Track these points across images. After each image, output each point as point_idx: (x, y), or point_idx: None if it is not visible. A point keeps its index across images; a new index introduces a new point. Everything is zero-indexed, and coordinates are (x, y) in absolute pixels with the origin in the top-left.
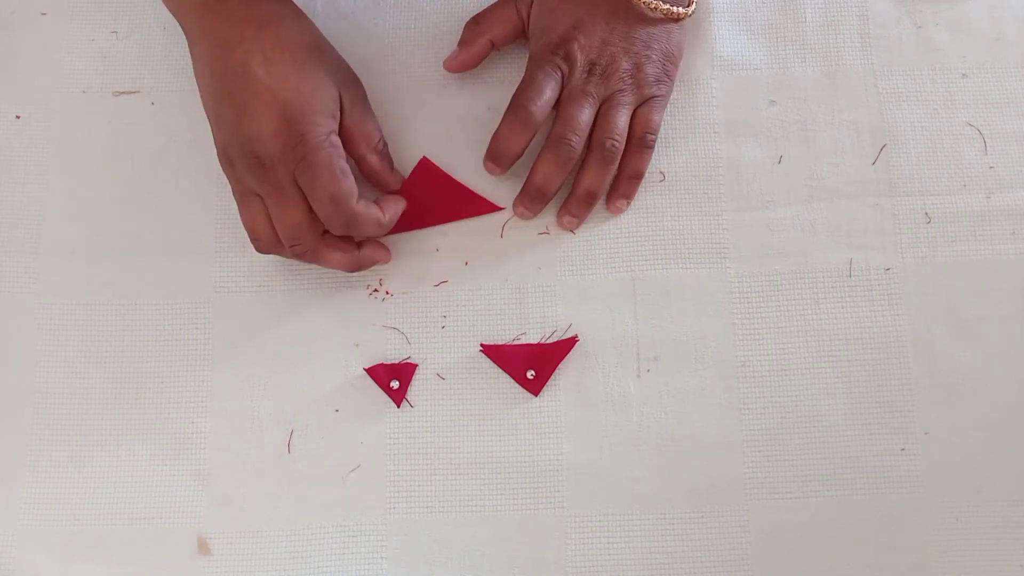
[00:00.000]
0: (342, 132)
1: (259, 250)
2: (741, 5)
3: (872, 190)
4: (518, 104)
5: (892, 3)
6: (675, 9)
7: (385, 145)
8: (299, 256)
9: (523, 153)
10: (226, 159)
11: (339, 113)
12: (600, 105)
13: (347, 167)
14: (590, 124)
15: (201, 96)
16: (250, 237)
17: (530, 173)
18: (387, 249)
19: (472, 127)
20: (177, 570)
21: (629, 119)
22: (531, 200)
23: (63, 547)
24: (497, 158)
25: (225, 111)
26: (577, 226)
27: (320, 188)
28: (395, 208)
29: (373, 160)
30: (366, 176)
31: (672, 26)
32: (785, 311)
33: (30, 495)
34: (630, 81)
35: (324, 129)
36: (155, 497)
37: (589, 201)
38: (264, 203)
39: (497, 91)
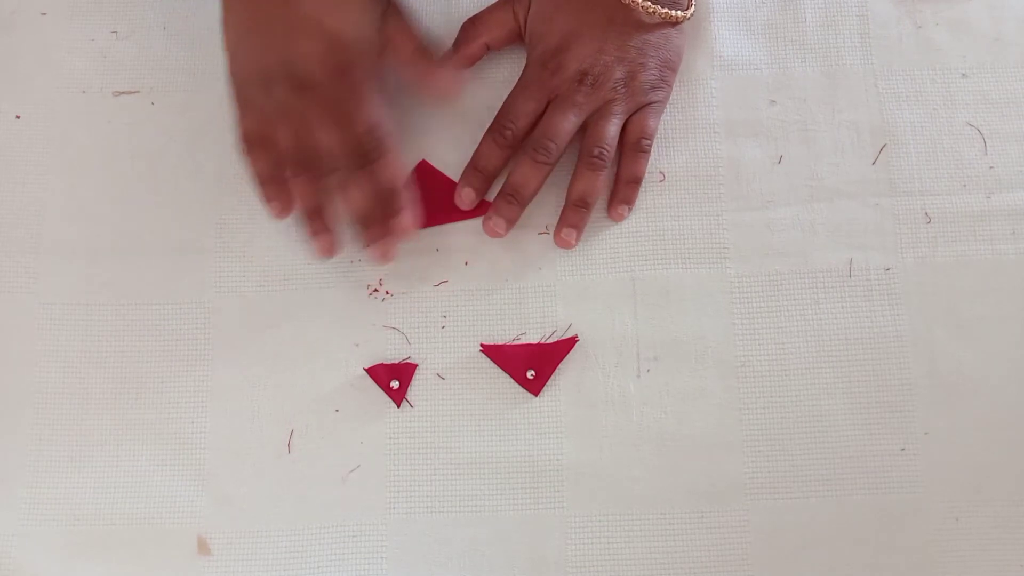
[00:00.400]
0: (383, 43)
1: (295, 173)
2: (741, 5)
3: (872, 190)
4: (496, 125)
5: (892, 3)
6: (673, 12)
7: (422, 43)
8: (338, 178)
9: (500, 171)
10: (263, 82)
11: (380, 36)
12: (591, 115)
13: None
14: (572, 133)
15: (228, 25)
16: (291, 157)
17: (507, 176)
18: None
19: (472, 127)
20: (177, 570)
21: (620, 128)
22: (506, 201)
23: (63, 547)
24: (476, 172)
25: (268, 36)
26: (576, 238)
27: (362, 116)
28: (412, 207)
29: (409, 67)
30: (414, 79)
31: (670, 31)
32: (785, 311)
33: (30, 495)
34: (623, 90)
35: (369, 61)
36: (155, 497)
37: (582, 207)
38: (298, 125)
39: (496, 91)
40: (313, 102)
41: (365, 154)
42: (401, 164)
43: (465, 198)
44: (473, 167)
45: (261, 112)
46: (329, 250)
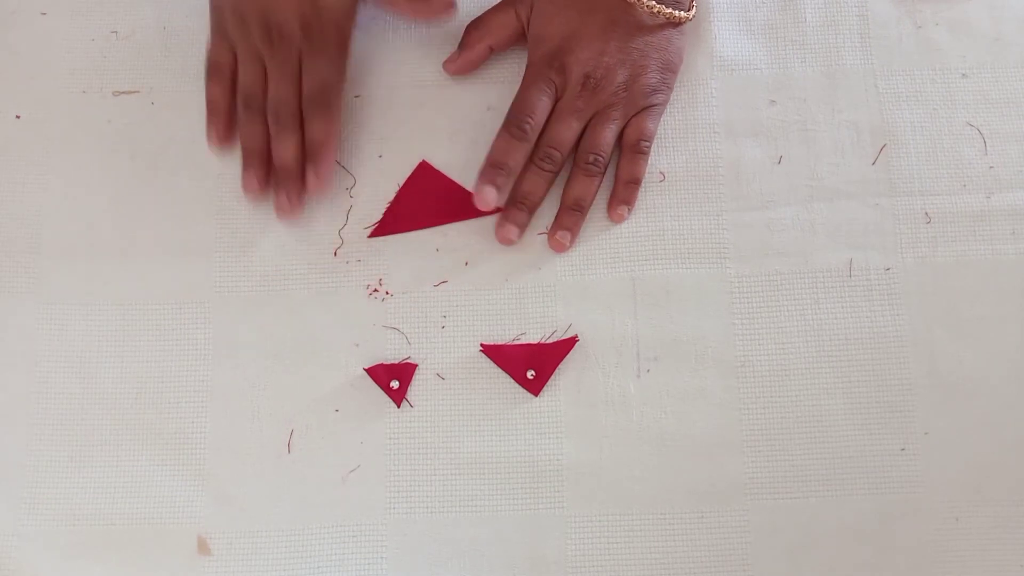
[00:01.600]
0: None
1: (245, 111)
2: (741, 5)
3: (872, 190)
4: (512, 121)
5: (892, 3)
6: (676, 13)
7: None
8: (276, 126)
9: (520, 167)
10: (239, 19)
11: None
12: (590, 119)
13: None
14: (574, 139)
15: None
16: (244, 96)
17: (515, 184)
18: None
19: (472, 128)
20: (177, 570)
21: (617, 133)
22: (518, 208)
23: (63, 547)
24: (497, 169)
25: None
26: (571, 241)
27: (319, 72)
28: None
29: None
30: (408, 8)
31: (672, 32)
32: (785, 311)
33: (30, 495)
34: (624, 94)
35: (341, 25)
36: (155, 497)
37: (577, 211)
38: (263, 69)
39: (497, 91)
40: (278, 51)
41: (306, 108)
42: (336, 128)
43: (487, 196)
44: (493, 165)
45: (230, 45)
46: (253, 188)
